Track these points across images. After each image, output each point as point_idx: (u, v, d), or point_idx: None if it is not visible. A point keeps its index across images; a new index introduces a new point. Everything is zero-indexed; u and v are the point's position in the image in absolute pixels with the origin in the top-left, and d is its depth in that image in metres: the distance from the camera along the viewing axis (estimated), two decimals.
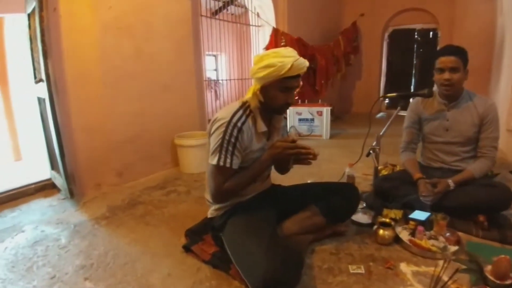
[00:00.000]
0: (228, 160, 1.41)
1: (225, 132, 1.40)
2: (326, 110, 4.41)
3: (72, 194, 2.43)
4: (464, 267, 1.46)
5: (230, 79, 5.18)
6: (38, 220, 2.18)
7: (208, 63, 7.54)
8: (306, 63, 1.43)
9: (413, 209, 1.93)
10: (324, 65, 5.12)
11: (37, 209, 2.37)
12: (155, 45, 3.00)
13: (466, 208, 1.84)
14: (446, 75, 1.90)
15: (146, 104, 2.99)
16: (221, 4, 5.60)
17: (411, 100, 2.29)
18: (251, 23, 4.86)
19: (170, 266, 1.60)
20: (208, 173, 1.47)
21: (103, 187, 2.73)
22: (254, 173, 1.50)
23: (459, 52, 1.90)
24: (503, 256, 1.33)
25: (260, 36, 4.84)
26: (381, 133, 2.23)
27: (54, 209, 2.35)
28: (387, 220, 1.81)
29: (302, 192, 1.78)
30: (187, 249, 1.70)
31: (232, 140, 1.41)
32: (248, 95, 1.50)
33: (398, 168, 2.81)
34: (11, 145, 4.03)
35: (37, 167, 3.19)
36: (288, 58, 1.37)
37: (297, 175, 2.89)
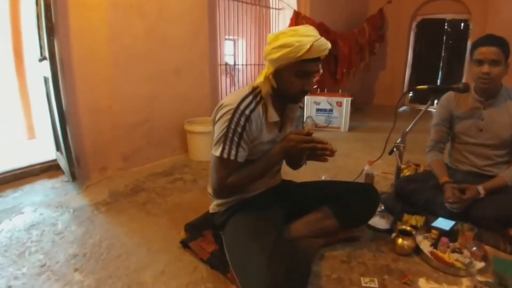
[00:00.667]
0: (233, 152, 1.26)
1: (231, 120, 1.24)
2: (346, 101, 4.18)
3: (74, 177, 2.35)
4: None
5: (247, 64, 4.98)
6: (39, 202, 2.12)
7: (226, 48, 7.36)
8: (328, 44, 1.24)
9: (436, 216, 1.74)
10: (347, 53, 4.85)
11: (40, 190, 2.32)
12: (168, 25, 2.85)
13: (495, 220, 1.63)
14: (485, 68, 1.68)
15: (157, 87, 2.87)
16: None
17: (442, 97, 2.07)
18: (271, 6, 4.63)
19: (165, 262, 1.49)
20: (211, 164, 1.32)
21: (109, 171, 2.65)
22: (263, 168, 1.33)
23: (502, 43, 1.68)
24: None
25: (281, 20, 4.61)
26: (407, 130, 2.03)
27: (56, 192, 2.29)
28: (408, 228, 1.63)
29: (315, 191, 1.61)
30: (185, 245, 1.58)
31: (239, 129, 1.25)
32: (259, 80, 1.32)
33: (422, 168, 2.58)
34: (25, 123, 4.02)
35: (49, 147, 3.14)
36: (308, 38, 1.18)
37: (310, 170, 2.70)
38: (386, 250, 1.59)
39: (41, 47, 2.41)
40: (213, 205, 1.49)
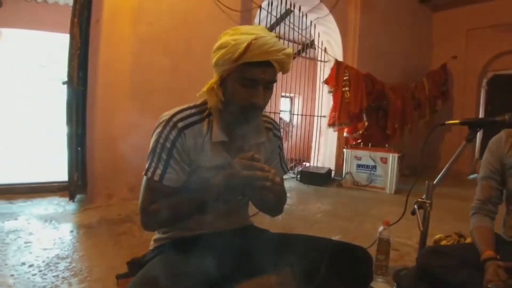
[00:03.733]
0: (159, 172, 1.02)
1: (160, 133, 1.03)
2: (392, 157, 3.69)
3: (72, 196, 2.45)
4: None
5: (294, 113, 4.90)
6: (36, 213, 2.27)
7: (283, 104, 7.56)
8: (278, 45, 0.99)
9: None
10: (400, 107, 4.44)
11: (45, 204, 2.49)
12: (195, 63, 2.89)
13: None
14: None
15: None
16: (300, 47, 5.52)
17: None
18: (318, 58, 4.56)
19: None
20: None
21: (113, 198, 2.63)
22: (198, 201, 1.05)
23: None
24: None
25: (326, 72, 4.48)
26: (434, 182, 1.60)
27: (56, 208, 2.42)
28: None
29: (282, 246, 1.20)
30: (118, 280, 1.34)
31: (168, 144, 1.03)
32: (203, 90, 1.09)
33: (468, 241, 1.99)
34: None
35: None
36: (246, 36, 0.97)
37: (324, 230, 2.35)
38: None
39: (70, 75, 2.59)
40: (151, 240, 1.23)
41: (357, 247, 1.27)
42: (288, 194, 3.67)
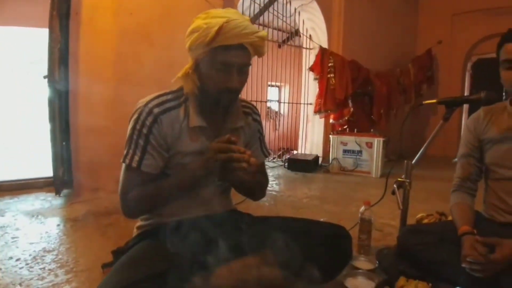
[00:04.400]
0: (136, 158, 1.04)
1: (136, 120, 1.05)
2: (377, 142, 3.74)
3: (58, 191, 2.44)
4: None
5: (281, 102, 4.92)
6: (23, 209, 2.26)
7: (271, 93, 7.58)
8: (250, 28, 1.00)
9: (453, 286, 1.21)
10: (385, 93, 4.49)
11: (31, 200, 2.48)
12: (178, 55, 2.87)
13: None
14: None
15: None
16: (286, 35, 5.51)
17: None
18: (304, 46, 4.57)
19: (76, 284, 1.35)
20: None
21: (100, 192, 2.62)
22: (178, 186, 1.07)
23: None
24: None
25: (312, 59, 4.49)
26: (413, 162, 1.65)
27: (43, 204, 2.41)
28: None
29: (263, 228, 1.22)
30: (103, 269, 1.39)
31: (144, 130, 1.04)
32: (178, 76, 1.10)
33: (449, 219, 2.04)
34: None
35: None
36: (217, 19, 0.97)
37: (309, 213, 2.41)
38: None
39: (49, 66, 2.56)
40: (134, 228, 1.26)
41: (337, 226, 1.33)
42: (276, 182, 3.73)
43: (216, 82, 1.04)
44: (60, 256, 1.60)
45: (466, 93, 5.76)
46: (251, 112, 1.31)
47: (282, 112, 7.12)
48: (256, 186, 1.29)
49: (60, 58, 2.47)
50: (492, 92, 1.37)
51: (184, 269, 1.00)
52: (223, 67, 1.02)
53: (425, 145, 1.64)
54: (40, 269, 1.45)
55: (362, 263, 1.58)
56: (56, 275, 1.40)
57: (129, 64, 2.63)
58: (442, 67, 5.63)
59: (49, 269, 1.45)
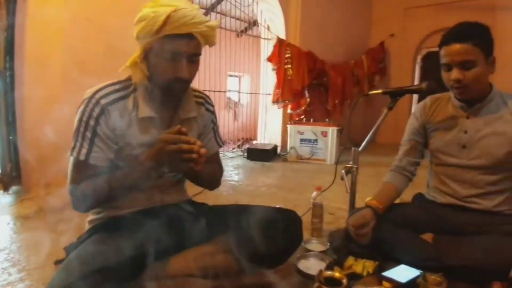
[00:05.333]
0: (84, 151, 1.02)
1: (83, 111, 1.03)
2: (332, 131, 3.91)
3: (5, 187, 2.33)
4: None
5: (241, 92, 4.93)
6: None
7: (230, 84, 7.54)
8: (199, 18, 1.00)
9: (397, 263, 1.28)
10: (340, 84, 4.67)
11: None
12: (131, 43, 2.78)
13: (479, 270, 1.18)
14: (455, 74, 1.27)
15: None
16: (245, 25, 5.50)
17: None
18: (262, 36, 4.60)
19: (29, 282, 1.33)
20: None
21: (52, 188, 2.49)
22: (128, 177, 1.05)
23: (472, 35, 1.24)
24: None
25: (270, 50, 4.54)
26: (359, 149, 1.75)
27: None
28: (337, 274, 1.16)
29: (217, 216, 1.26)
30: (56, 265, 1.34)
31: (91, 122, 1.02)
32: (126, 65, 1.08)
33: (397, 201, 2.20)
34: None
35: None
36: (165, 8, 0.97)
37: (266, 200, 2.48)
38: None
39: None
40: (86, 222, 1.24)
41: (287, 210, 1.39)
42: (235, 171, 3.76)
43: (166, 72, 1.04)
44: (12, 255, 1.55)
45: (416, 84, 6.14)
46: (204, 102, 1.31)
47: (242, 102, 7.15)
48: (209, 176, 1.31)
49: (6, 48, 2.32)
50: (433, 81, 1.45)
51: (139, 260, 1.01)
52: (172, 56, 1.02)
53: (371, 132, 1.74)
54: None
55: (314, 245, 1.67)
56: (10, 274, 1.37)
57: (80, 53, 2.51)
58: (394, 59, 5.94)
59: (2, 268, 1.42)
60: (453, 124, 1.42)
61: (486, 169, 1.36)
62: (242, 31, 5.88)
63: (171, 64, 1.03)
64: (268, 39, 4.56)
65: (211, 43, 1.11)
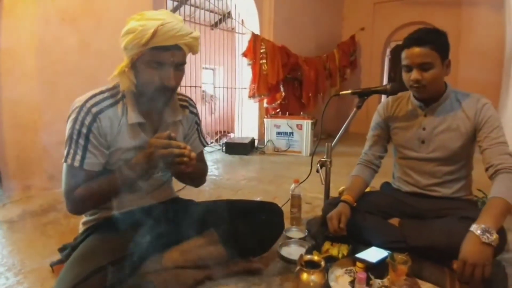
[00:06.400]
0: (78, 157, 1.08)
1: (75, 120, 1.08)
2: (306, 124, 4.07)
3: None
4: None
5: (216, 87, 4.97)
6: None
7: (205, 76, 7.51)
8: (184, 30, 1.08)
9: (368, 246, 1.42)
10: (313, 77, 4.82)
11: None
12: (105, 40, 2.77)
13: (439, 250, 1.32)
14: (415, 74, 1.41)
15: None
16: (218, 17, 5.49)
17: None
18: (237, 31, 4.64)
19: (29, 284, 1.34)
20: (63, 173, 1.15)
21: (33, 190, 2.49)
22: (121, 180, 1.12)
23: (432, 41, 1.39)
24: None
25: (245, 44, 4.60)
26: (332, 144, 1.89)
27: None
28: (315, 258, 1.27)
29: (205, 212, 1.36)
30: (52, 267, 1.39)
31: (84, 130, 1.08)
32: (114, 74, 1.14)
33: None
34: None
35: None
36: (152, 21, 1.04)
37: (247, 193, 2.59)
38: (290, 287, 1.31)
39: None
40: (80, 224, 1.30)
41: (269, 203, 1.52)
42: (215, 166, 3.84)
43: (154, 80, 1.11)
44: (5, 260, 1.55)
45: (385, 76, 6.40)
46: (187, 105, 1.39)
47: (217, 95, 7.17)
48: (196, 175, 1.40)
49: None
50: (396, 84, 1.63)
51: (137, 255, 1.10)
52: (160, 66, 1.10)
53: (342, 129, 1.89)
54: None
55: (294, 233, 1.81)
56: (7, 278, 1.38)
57: (54, 52, 2.48)
58: (364, 52, 6.16)
59: None
60: (413, 121, 1.59)
61: (443, 161, 1.53)
62: (215, 23, 5.87)
63: (159, 73, 1.11)
64: (242, 33, 4.62)
65: (194, 52, 1.19)
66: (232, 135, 5.12)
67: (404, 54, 1.46)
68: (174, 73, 1.13)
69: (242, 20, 4.57)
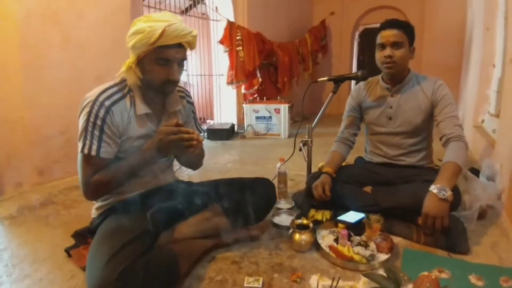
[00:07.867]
0: (94, 147, 1.21)
1: (89, 113, 1.21)
2: (284, 108, 4.27)
3: None
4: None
5: (191, 74, 5.02)
6: None
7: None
8: (187, 30, 1.23)
9: (346, 210, 1.68)
10: (287, 63, 5.00)
11: None
12: (86, 33, 2.80)
13: (406, 209, 1.58)
14: (387, 51, 1.65)
15: (75, 96, 2.76)
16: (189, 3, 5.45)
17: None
18: (211, 18, 4.70)
19: (46, 271, 1.42)
20: (78, 163, 1.28)
21: (24, 186, 2.53)
22: (133, 165, 1.28)
23: (403, 26, 1.66)
24: (426, 274, 1.09)
25: (219, 32, 4.68)
26: (312, 125, 2.11)
27: None
28: (304, 221, 1.55)
29: (207, 189, 1.54)
30: (68, 253, 1.50)
31: (98, 122, 1.21)
32: (122, 70, 1.27)
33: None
34: None
35: None
36: (160, 23, 1.17)
37: (234, 174, 2.77)
38: (285, 247, 1.53)
39: None
40: (93, 209, 1.44)
41: (263, 178, 1.74)
42: None
43: (159, 75, 1.26)
44: (16, 252, 1.59)
45: (354, 60, 6.67)
46: (185, 96, 1.56)
47: (191, 82, 7.15)
48: (197, 158, 1.57)
49: None
50: (366, 71, 1.87)
51: (153, 230, 1.27)
52: (165, 62, 1.24)
53: (320, 112, 2.10)
54: (4, 266, 1.45)
55: (283, 204, 2.05)
56: (22, 268, 1.43)
57: (37, 47, 2.50)
58: (334, 36, 6.37)
59: (12, 265, 1.46)
60: (381, 101, 1.84)
61: (408, 134, 1.80)
62: (186, 9, 5.83)
63: (164, 69, 1.25)
64: (217, 20, 4.69)
65: (192, 48, 1.35)
66: (211, 122, 5.23)
67: (379, 35, 1.70)
68: (178, 69, 1.28)
69: (216, 7, 4.63)
